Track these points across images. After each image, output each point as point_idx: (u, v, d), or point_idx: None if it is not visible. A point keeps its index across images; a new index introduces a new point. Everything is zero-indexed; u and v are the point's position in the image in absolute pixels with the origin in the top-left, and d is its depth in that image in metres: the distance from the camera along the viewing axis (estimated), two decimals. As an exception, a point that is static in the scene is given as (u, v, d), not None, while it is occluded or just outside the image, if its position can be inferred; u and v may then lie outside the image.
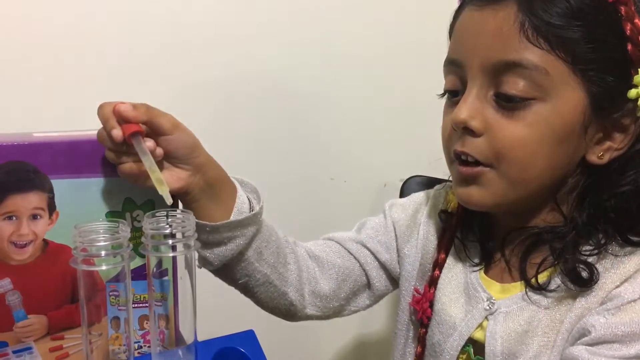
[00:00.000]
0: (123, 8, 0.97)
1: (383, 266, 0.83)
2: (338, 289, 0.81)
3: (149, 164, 0.62)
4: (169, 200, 0.61)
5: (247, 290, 0.76)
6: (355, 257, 0.82)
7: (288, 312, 0.80)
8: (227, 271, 0.73)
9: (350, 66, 1.15)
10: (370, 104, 1.18)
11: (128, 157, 0.63)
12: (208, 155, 0.69)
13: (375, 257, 0.83)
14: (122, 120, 0.61)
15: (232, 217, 0.69)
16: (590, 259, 0.64)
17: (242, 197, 0.71)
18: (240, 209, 0.70)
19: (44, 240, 0.65)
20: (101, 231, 0.52)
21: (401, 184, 1.15)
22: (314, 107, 1.14)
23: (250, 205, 0.72)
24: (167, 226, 0.54)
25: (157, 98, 0.90)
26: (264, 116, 1.11)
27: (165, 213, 0.56)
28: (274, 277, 0.75)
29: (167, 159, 0.66)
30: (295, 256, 0.79)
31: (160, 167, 0.65)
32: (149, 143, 0.63)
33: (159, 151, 0.64)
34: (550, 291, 0.66)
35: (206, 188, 0.68)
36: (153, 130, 0.64)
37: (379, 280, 0.83)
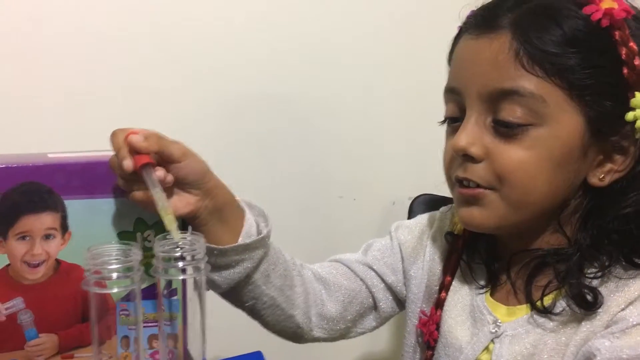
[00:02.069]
0: (126, 18, 0.98)
1: (389, 288, 0.83)
2: (344, 311, 0.82)
3: (158, 197, 0.62)
4: (176, 237, 0.61)
5: (254, 312, 0.77)
6: (361, 279, 0.83)
7: (295, 334, 0.81)
8: (235, 294, 0.74)
9: (360, 84, 1.16)
10: (379, 122, 1.19)
11: (139, 185, 0.64)
12: (217, 180, 0.70)
13: (382, 279, 0.83)
14: (134, 150, 0.62)
15: (240, 241, 0.70)
16: (594, 282, 0.65)
17: (250, 220, 0.72)
18: (248, 232, 0.71)
19: (57, 260, 0.66)
20: (113, 254, 0.53)
21: (410, 202, 1.15)
22: (322, 124, 1.16)
23: (258, 228, 0.73)
24: (178, 249, 0.55)
25: (168, 117, 0.92)
26: (272, 134, 1.12)
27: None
28: (280, 300, 0.76)
29: (177, 184, 0.67)
30: (302, 279, 0.79)
31: (171, 193, 0.66)
32: (160, 172, 0.63)
33: (169, 178, 0.65)
34: (556, 314, 0.66)
35: (215, 212, 0.69)
36: (163, 159, 0.65)
37: (385, 302, 0.84)
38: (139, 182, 0.64)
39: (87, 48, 0.96)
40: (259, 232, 0.72)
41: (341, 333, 0.83)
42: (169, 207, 0.63)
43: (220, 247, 0.69)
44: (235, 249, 0.69)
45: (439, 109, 0.74)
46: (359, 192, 1.20)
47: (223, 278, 0.71)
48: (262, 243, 0.72)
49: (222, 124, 1.08)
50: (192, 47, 1.03)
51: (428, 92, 1.13)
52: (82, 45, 0.96)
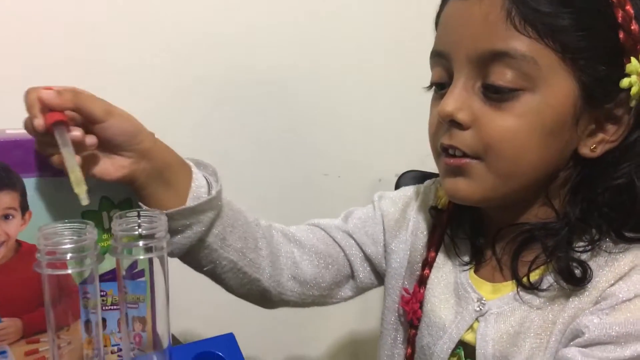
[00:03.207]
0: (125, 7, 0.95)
1: (368, 259, 0.80)
2: (319, 276, 0.78)
3: (66, 157, 0.57)
4: (84, 201, 0.56)
5: (214, 277, 0.74)
6: (340, 247, 0.80)
7: (262, 297, 0.77)
8: (190, 258, 0.70)
9: (343, 62, 1.13)
10: (364, 99, 1.17)
11: (56, 148, 0.58)
12: (154, 139, 0.65)
13: (361, 249, 0.80)
14: (46, 108, 0.57)
15: (188, 203, 0.66)
16: (583, 257, 0.62)
17: (198, 180, 0.68)
18: (196, 194, 0.67)
19: (17, 241, 0.63)
20: (66, 233, 0.50)
21: (396, 179, 1.13)
22: (307, 101, 1.13)
23: (209, 188, 0.69)
24: (137, 227, 0.52)
25: (154, 95, 0.89)
26: (257, 112, 1.09)
27: (136, 213, 0.54)
28: (242, 264, 0.72)
29: (106, 147, 0.62)
30: (267, 241, 0.76)
31: (100, 156, 0.62)
32: (76, 132, 0.58)
33: (90, 140, 0.60)
34: (543, 290, 0.63)
35: (154, 174, 0.64)
36: (84, 118, 0.60)
37: (364, 272, 0.81)
38: (56, 144, 0.58)
39: (50, 22, 0.92)
40: (209, 193, 0.68)
41: (314, 299, 0.80)
42: (77, 169, 0.57)
43: (165, 212, 0.63)
44: (181, 212, 0.65)
45: (424, 85, 0.71)
46: (345, 170, 1.18)
47: (173, 244, 0.67)
48: (210, 205, 0.68)
49: (206, 99, 1.05)
50: (177, 23, 1.00)
51: (414, 67, 1.11)
52: (62, 22, 0.92)
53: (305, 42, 1.09)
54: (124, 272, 0.54)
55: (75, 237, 0.50)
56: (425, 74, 0.71)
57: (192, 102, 1.03)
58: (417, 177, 1.10)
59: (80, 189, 0.56)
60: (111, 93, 0.92)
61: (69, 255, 0.49)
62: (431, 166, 0.77)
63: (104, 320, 0.66)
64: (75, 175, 0.57)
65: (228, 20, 1.03)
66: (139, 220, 0.53)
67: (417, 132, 0.93)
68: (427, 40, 0.70)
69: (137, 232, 0.52)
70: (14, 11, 0.90)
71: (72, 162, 0.57)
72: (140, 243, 0.52)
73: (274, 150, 1.12)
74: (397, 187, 1.11)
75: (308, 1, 1.09)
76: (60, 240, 0.49)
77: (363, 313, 1.22)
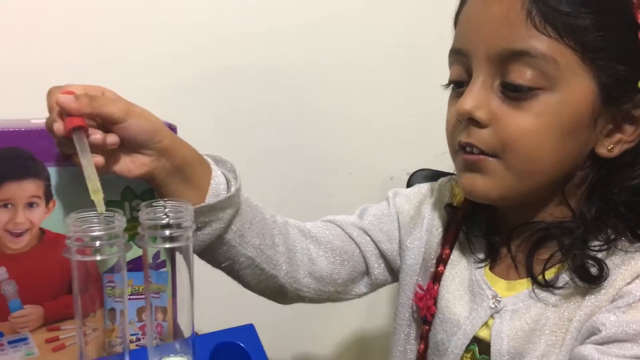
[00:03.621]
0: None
1: (383, 255, 0.81)
2: (335, 273, 0.79)
3: (85, 166, 0.57)
4: (100, 209, 0.55)
5: (232, 272, 0.74)
6: (356, 243, 0.80)
7: (278, 293, 0.78)
8: (209, 254, 0.71)
9: (356, 58, 1.14)
10: (376, 96, 1.17)
11: (75, 149, 0.59)
12: (174, 137, 0.65)
13: (376, 245, 0.81)
14: (65, 112, 0.57)
15: (207, 201, 0.66)
16: (599, 255, 0.63)
17: (217, 178, 0.68)
18: (215, 191, 0.67)
19: (41, 229, 0.64)
20: (96, 220, 0.51)
21: (407, 177, 1.13)
22: (318, 97, 1.13)
23: (228, 185, 0.69)
24: (165, 216, 0.53)
25: (165, 95, 0.89)
26: (268, 108, 1.09)
27: (162, 203, 0.55)
28: (260, 260, 0.73)
29: (126, 145, 0.62)
30: (284, 238, 0.76)
31: (121, 154, 0.62)
32: (97, 136, 0.58)
33: (111, 140, 0.60)
34: (558, 288, 0.64)
35: (174, 172, 0.65)
36: (104, 121, 0.60)
37: (378, 269, 0.81)
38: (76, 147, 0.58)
39: (75, 17, 0.93)
40: (229, 190, 0.69)
41: (329, 296, 0.80)
42: (95, 176, 0.57)
43: None
44: (200, 209, 0.65)
45: (437, 84, 0.72)
46: (355, 167, 1.18)
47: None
48: (230, 202, 0.68)
49: (217, 96, 1.05)
50: (184, 16, 1.00)
51: (427, 65, 1.12)
52: (69, 13, 0.93)
53: (317, 39, 1.09)
54: (150, 261, 0.55)
55: (104, 225, 0.50)
56: (437, 72, 0.71)
57: (203, 99, 1.03)
58: (428, 175, 1.11)
59: (97, 198, 0.56)
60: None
61: (98, 243, 0.49)
62: (446, 164, 0.78)
63: (114, 310, 0.66)
64: (93, 183, 0.57)
65: (239, 20, 1.03)
66: (166, 210, 0.53)
67: (428, 130, 0.94)
68: (440, 38, 0.70)
69: (164, 221, 0.52)
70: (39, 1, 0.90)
71: (89, 171, 0.57)
72: (167, 232, 0.52)
73: (284, 145, 1.12)
74: (408, 185, 1.11)
75: (322, 0, 1.09)
76: (90, 227, 0.50)
77: (375, 308, 1.23)
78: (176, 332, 0.63)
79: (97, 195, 0.56)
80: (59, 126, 0.57)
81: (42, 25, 0.91)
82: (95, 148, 0.58)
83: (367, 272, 0.82)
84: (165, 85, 0.99)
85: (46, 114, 0.64)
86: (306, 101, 1.12)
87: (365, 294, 0.83)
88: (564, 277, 0.64)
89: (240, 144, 1.07)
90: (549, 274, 0.65)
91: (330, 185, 1.17)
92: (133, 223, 0.63)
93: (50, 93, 0.59)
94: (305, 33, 1.08)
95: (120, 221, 0.51)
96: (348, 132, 1.16)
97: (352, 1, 1.11)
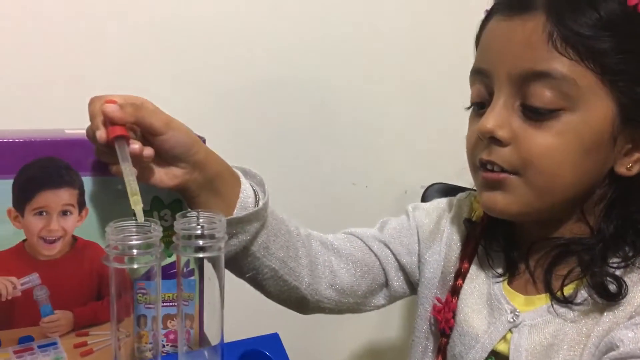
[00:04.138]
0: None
1: (402, 268, 0.82)
2: (356, 284, 0.80)
3: (126, 173, 0.58)
4: (140, 219, 0.56)
5: (255, 283, 0.75)
6: (376, 255, 0.82)
7: (300, 304, 0.79)
8: (233, 265, 0.72)
9: (373, 72, 1.16)
10: (393, 110, 1.19)
11: (114, 157, 0.60)
12: (207, 150, 0.67)
13: (396, 258, 0.82)
14: (109, 121, 0.59)
15: (235, 213, 0.67)
16: (617, 272, 0.64)
17: (246, 190, 0.69)
18: (244, 204, 0.68)
19: (73, 236, 0.65)
20: (134, 229, 0.52)
21: (422, 191, 1.15)
22: (337, 111, 1.15)
23: (256, 198, 0.70)
24: (199, 227, 0.54)
25: (187, 106, 0.91)
26: (286, 121, 1.12)
27: (196, 214, 0.56)
28: (283, 272, 0.74)
29: (163, 158, 0.63)
30: (306, 250, 0.77)
31: (155, 165, 0.63)
32: (135, 146, 0.60)
33: (148, 152, 0.61)
34: (577, 304, 0.65)
35: (205, 184, 0.66)
36: (144, 131, 0.62)
37: (397, 281, 0.83)
38: (116, 155, 0.60)
39: (108, 19, 0.96)
40: (256, 203, 0.70)
41: (349, 307, 0.82)
42: (135, 184, 0.58)
43: None
44: (228, 221, 0.66)
45: (453, 98, 0.73)
46: (372, 180, 1.20)
47: None
48: (257, 216, 0.69)
49: (237, 110, 1.07)
50: (212, 31, 1.03)
51: (442, 81, 1.15)
52: (104, 17, 0.96)
53: (335, 48, 1.11)
54: (185, 271, 0.56)
55: (142, 234, 0.52)
56: (455, 87, 0.73)
57: (225, 111, 1.05)
58: (442, 189, 1.13)
59: (138, 207, 0.58)
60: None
61: (135, 251, 0.51)
62: (463, 179, 0.80)
63: (145, 316, 0.68)
64: (133, 192, 0.58)
65: (264, 35, 1.06)
66: (200, 221, 0.55)
67: (445, 145, 0.96)
68: (461, 53, 0.72)
69: (198, 232, 0.54)
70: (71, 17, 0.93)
71: (130, 178, 0.58)
72: (200, 242, 0.54)
73: (304, 159, 1.14)
74: (423, 198, 1.13)
75: (342, 15, 1.11)
76: (128, 236, 0.52)
77: (389, 319, 1.25)
78: (202, 339, 0.65)
79: (137, 204, 0.57)
80: (101, 134, 0.58)
81: (76, 41, 0.94)
82: (132, 158, 0.60)
83: (386, 284, 0.83)
84: (193, 97, 1.02)
85: (79, 125, 0.66)
86: (325, 115, 1.14)
87: (383, 305, 0.84)
88: (583, 293, 0.65)
89: (258, 157, 1.07)
90: (568, 290, 0.66)
91: (348, 197, 1.19)
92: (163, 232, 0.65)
93: (92, 102, 0.61)
94: (323, 47, 1.10)
95: (156, 231, 0.53)
96: (366, 145, 1.18)
97: (375, 20, 1.13)
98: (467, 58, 0.71)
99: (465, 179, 0.76)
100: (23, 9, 0.91)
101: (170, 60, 1.00)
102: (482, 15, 0.70)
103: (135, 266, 0.51)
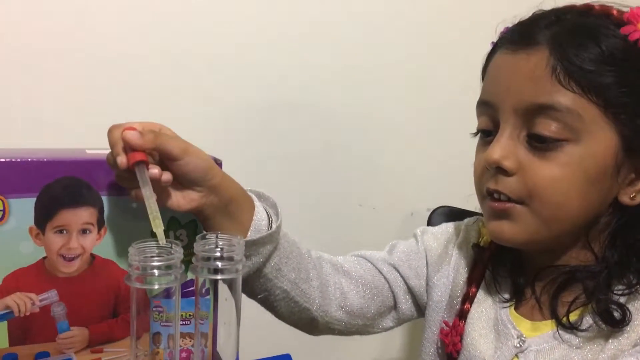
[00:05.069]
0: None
1: (411, 291, 0.84)
2: (366, 307, 0.82)
3: (147, 197, 0.60)
4: (162, 241, 0.58)
5: (267, 304, 0.77)
6: (385, 278, 0.83)
7: (309, 326, 0.80)
8: (245, 286, 0.73)
9: (383, 95, 1.18)
10: (401, 132, 1.21)
11: (133, 182, 0.62)
12: (223, 174, 0.68)
13: (405, 281, 0.83)
14: (129, 147, 0.61)
15: (249, 236, 0.69)
16: (621, 300, 0.65)
17: (260, 214, 0.71)
18: (257, 227, 0.70)
19: (91, 254, 0.67)
20: (156, 251, 0.54)
21: (428, 213, 1.16)
22: (344, 133, 1.17)
23: (269, 222, 0.72)
24: (218, 249, 0.56)
25: (191, 122, 0.94)
26: (292, 142, 1.14)
27: (215, 235, 0.58)
28: (294, 294, 0.75)
29: (180, 182, 0.65)
30: (317, 272, 0.79)
31: (173, 189, 0.65)
32: (154, 170, 0.62)
33: (166, 177, 0.63)
34: (582, 330, 0.66)
35: (220, 207, 0.68)
36: (162, 157, 0.63)
37: (406, 304, 0.84)
38: (136, 180, 0.61)
39: (129, 46, 0.99)
40: (269, 226, 0.72)
41: (358, 329, 0.83)
42: (156, 208, 0.60)
43: None
44: None
45: (461, 122, 0.75)
46: (379, 201, 1.22)
47: None
48: (270, 239, 0.71)
49: (244, 130, 1.10)
50: (219, 53, 1.05)
51: (450, 105, 1.16)
52: (124, 42, 0.99)
53: (343, 68, 1.14)
54: (202, 290, 0.58)
55: (163, 255, 0.54)
56: (463, 111, 0.75)
57: (228, 131, 1.08)
58: (447, 212, 1.14)
59: (159, 230, 0.59)
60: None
61: (156, 272, 0.53)
62: (469, 203, 0.81)
63: (159, 334, 0.70)
64: (154, 215, 0.60)
65: (264, 46, 1.08)
66: (219, 243, 0.57)
67: (451, 168, 0.97)
68: (469, 77, 0.74)
69: (217, 254, 0.56)
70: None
71: (150, 201, 0.60)
72: (219, 264, 0.56)
73: (311, 180, 1.16)
74: (429, 221, 1.14)
75: (353, 44, 1.14)
76: (149, 257, 0.53)
77: (392, 339, 1.25)
78: (215, 358, 0.66)
79: (158, 228, 0.59)
80: (122, 159, 0.60)
81: (97, 67, 0.97)
82: (151, 182, 0.62)
83: (394, 306, 0.84)
84: (208, 118, 1.05)
85: (98, 145, 0.68)
86: (332, 137, 1.16)
87: (391, 327, 0.86)
88: (588, 320, 0.66)
89: (265, 178, 1.08)
90: (573, 316, 0.67)
91: (355, 219, 1.20)
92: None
93: (111, 130, 0.63)
94: (332, 69, 1.13)
95: (177, 252, 0.54)
96: (373, 167, 1.20)
97: (384, 46, 1.16)
98: (475, 84, 0.73)
99: (471, 202, 0.77)
100: (52, 31, 0.95)
101: (189, 87, 1.03)
102: (489, 46, 0.72)
103: (156, 286, 0.53)
